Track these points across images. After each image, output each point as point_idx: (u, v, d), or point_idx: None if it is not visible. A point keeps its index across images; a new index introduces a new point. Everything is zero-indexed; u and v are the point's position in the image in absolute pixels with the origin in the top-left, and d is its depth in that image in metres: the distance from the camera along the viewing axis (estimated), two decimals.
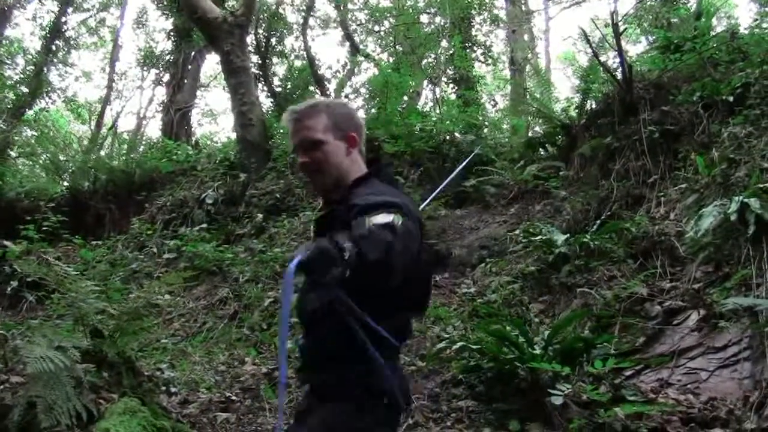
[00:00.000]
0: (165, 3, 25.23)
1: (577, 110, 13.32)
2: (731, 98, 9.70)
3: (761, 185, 7.21)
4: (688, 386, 6.19)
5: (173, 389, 7.10)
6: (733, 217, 7.00)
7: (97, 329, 6.17)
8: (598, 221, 9.41)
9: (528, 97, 15.99)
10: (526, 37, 27.75)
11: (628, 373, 6.59)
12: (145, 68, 29.57)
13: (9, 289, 11.85)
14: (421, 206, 9.09)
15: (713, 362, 6.28)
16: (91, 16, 33.14)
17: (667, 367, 6.48)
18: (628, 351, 6.82)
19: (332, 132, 3.13)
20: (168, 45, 26.44)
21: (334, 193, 3.14)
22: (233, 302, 10.51)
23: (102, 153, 23.85)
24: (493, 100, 25.88)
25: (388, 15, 27.46)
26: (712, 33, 12.63)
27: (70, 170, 19.17)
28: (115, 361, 5.99)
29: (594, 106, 12.62)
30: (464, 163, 11.58)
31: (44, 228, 12.68)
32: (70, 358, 5.31)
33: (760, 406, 5.54)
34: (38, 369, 4.96)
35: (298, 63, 26.63)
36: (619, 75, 11.31)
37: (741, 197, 7.06)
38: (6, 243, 12.39)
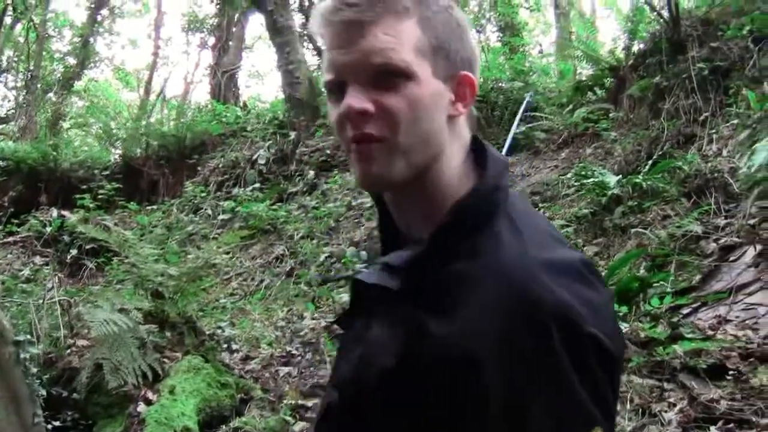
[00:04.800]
0: None
1: (624, 51, 13.17)
2: None
3: None
4: (746, 322, 6.15)
5: (234, 346, 7.21)
6: None
7: (158, 291, 6.30)
8: (650, 161, 9.33)
9: (574, 40, 15.80)
10: None
11: (685, 311, 6.56)
12: (189, 33, 29.65)
13: (69, 257, 12.07)
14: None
15: None
16: None
17: (724, 304, 6.43)
18: (685, 289, 6.80)
19: (429, 59, 1.23)
20: (211, 8, 26.49)
21: (408, 215, 1.32)
22: (289, 259, 10.65)
23: (152, 119, 23.98)
24: (539, 45, 25.67)
25: None
26: None
27: (122, 138, 19.37)
28: (176, 321, 6.13)
29: (641, 46, 12.48)
30: (521, 112, 11.60)
31: (99, 196, 12.93)
32: (132, 320, 5.46)
33: None
34: (103, 332, 5.11)
35: None
36: (665, 13, 11.14)
37: None
38: (63, 213, 12.65)
